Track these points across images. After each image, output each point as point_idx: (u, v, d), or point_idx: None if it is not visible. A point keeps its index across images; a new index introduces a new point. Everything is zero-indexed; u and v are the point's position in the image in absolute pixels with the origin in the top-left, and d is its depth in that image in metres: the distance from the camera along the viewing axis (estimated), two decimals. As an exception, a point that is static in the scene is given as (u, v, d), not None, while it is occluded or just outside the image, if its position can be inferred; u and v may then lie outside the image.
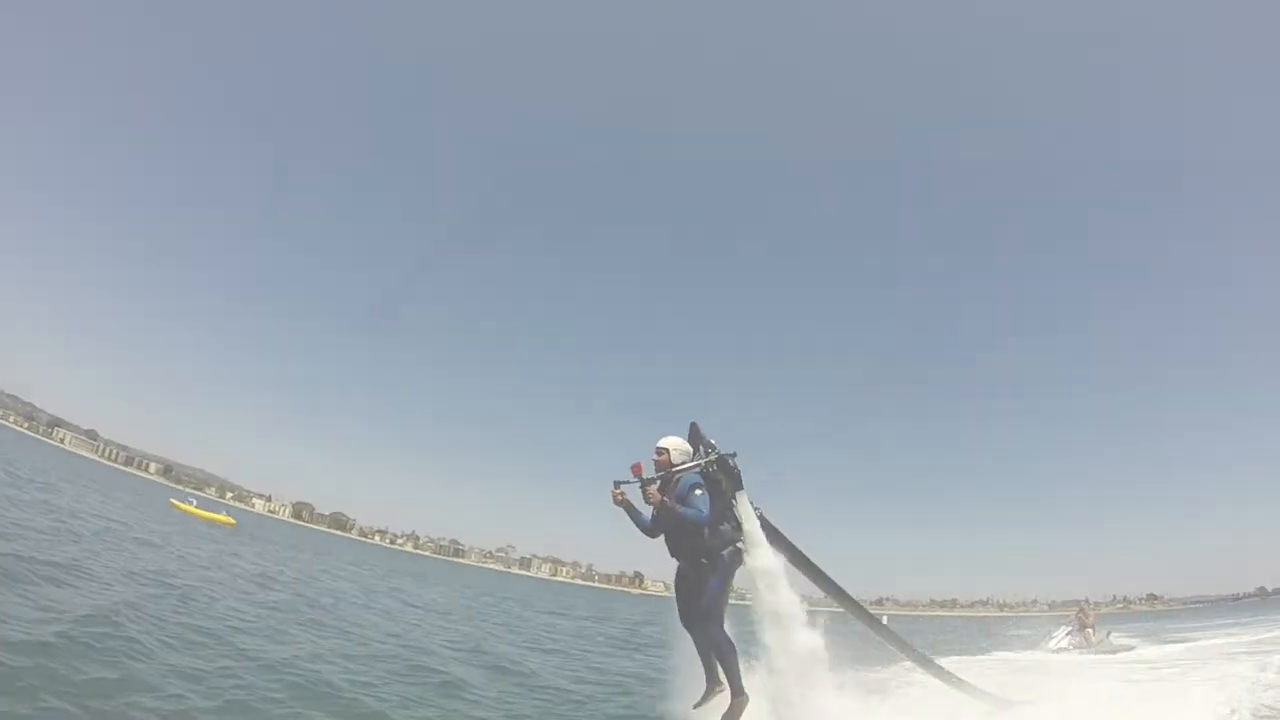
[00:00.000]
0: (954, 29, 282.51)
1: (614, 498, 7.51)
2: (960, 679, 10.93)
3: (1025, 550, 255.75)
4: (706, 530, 7.48)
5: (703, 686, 7.52)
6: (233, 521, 56.40)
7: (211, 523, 51.78)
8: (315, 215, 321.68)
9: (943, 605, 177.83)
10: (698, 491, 7.39)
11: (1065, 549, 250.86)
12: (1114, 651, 22.92)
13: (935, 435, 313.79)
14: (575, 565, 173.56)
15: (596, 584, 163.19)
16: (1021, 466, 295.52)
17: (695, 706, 7.51)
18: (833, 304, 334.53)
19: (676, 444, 7.83)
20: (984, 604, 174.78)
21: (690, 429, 8.12)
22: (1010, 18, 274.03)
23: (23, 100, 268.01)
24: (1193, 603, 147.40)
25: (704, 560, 7.57)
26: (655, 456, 7.70)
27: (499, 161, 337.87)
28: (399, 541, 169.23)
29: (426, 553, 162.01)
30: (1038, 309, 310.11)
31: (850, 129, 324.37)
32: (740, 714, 7.19)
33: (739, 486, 7.85)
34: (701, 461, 7.71)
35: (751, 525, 7.86)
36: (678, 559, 7.76)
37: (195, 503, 58.78)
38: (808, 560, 8.81)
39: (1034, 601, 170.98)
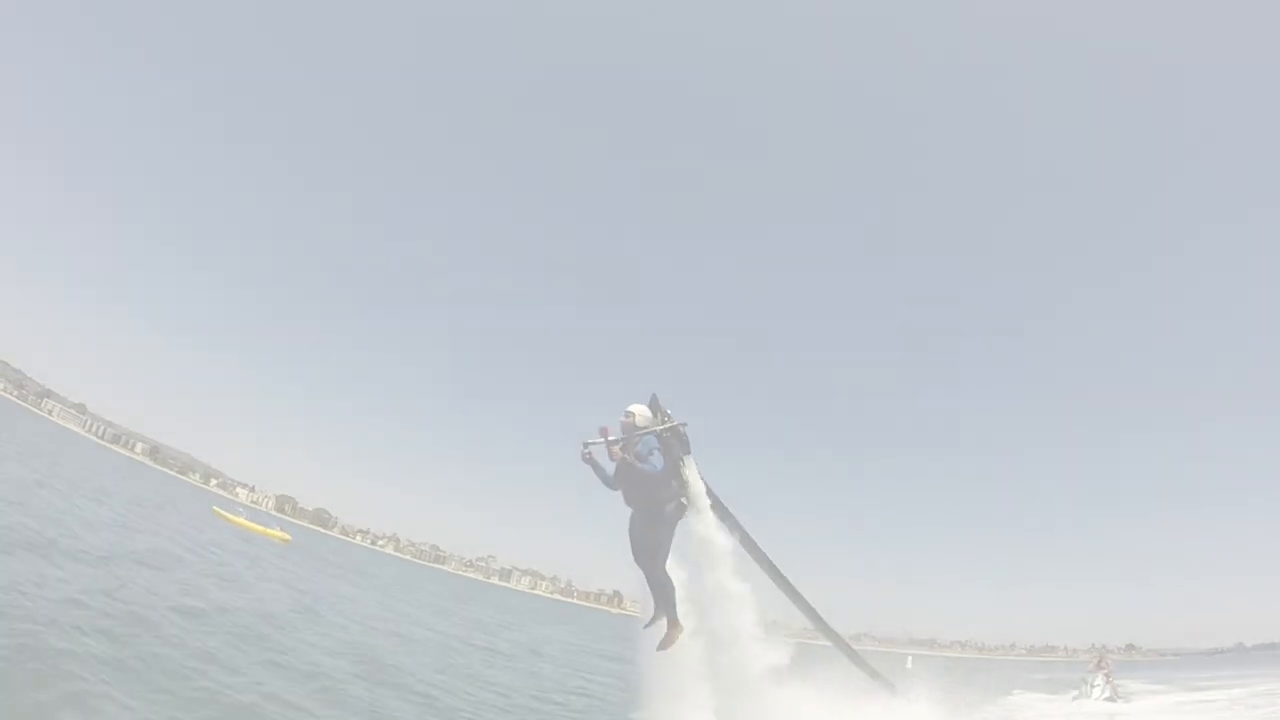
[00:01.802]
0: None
1: (582, 456, 8.95)
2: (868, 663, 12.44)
3: (995, 591, 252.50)
4: (659, 484, 8.94)
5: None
6: (288, 537, 52.93)
7: (267, 538, 48.59)
8: (321, 211, 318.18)
9: (921, 644, 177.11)
10: (654, 452, 8.89)
11: (1036, 593, 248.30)
12: (1129, 700, 24.17)
13: (900, 468, 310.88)
14: (555, 580, 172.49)
15: (575, 601, 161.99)
16: (991, 505, 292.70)
17: (645, 627, 9.36)
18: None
19: (641, 410, 9.24)
20: (962, 645, 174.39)
21: (651, 398, 9.43)
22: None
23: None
24: (1171, 654, 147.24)
25: (654, 509, 9.06)
26: (623, 419, 9.09)
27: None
28: (380, 543, 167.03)
29: (407, 556, 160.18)
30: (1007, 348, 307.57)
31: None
32: (674, 640, 8.97)
33: (687, 451, 9.29)
34: (658, 428, 9.11)
35: (695, 484, 9.35)
36: (632, 508, 9.20)
37: (245, 514, 55.90)
38: (740, 527, 10.19)
39: (1012, 645, 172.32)
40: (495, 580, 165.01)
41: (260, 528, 51.95)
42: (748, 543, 10.32)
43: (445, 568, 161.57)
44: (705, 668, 9.42)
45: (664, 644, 8.97)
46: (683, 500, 9.26)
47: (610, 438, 8.92)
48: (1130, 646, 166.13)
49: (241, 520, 51.29)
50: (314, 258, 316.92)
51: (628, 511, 9.32)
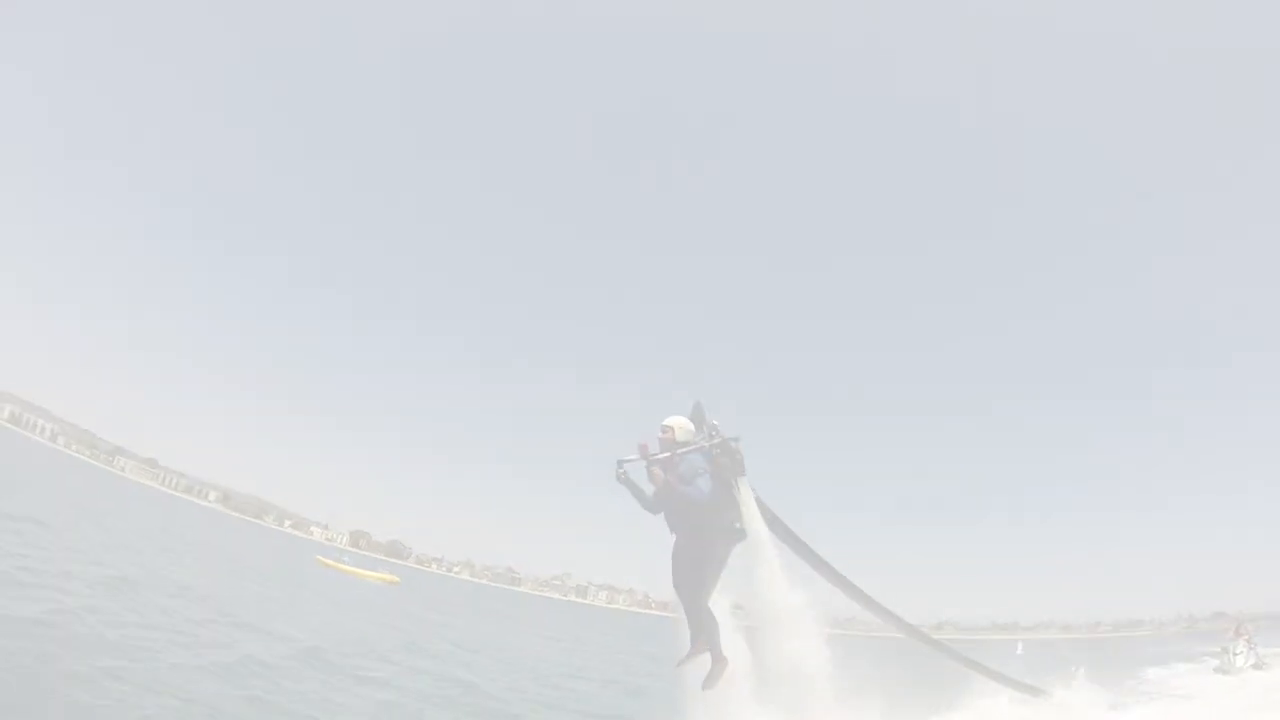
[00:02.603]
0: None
1: (617, 476, 8.02)
2: (991, 668, 11.37)
3: (1062, 566, 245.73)
4: (707, 509, 7.89)
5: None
6: (396, 579, 52.76)
7: (376, 582, 48.74)
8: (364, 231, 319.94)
9: (1004, 629, 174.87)
10: (701, 473, 7.81)
11: (1107, 564, 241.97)
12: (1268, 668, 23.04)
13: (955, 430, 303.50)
14: (631, 592, 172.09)
15: (653, 611, 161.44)
16: (1063, 474, 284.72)
17: (679, 664, 8.19)
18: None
19: (681, 423, 8.18)
20: (1047, 626, 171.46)
21: (693, 408, 8.43)
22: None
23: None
24: (1264, 618, 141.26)
25: (701, 538, 8.06)
26: (660, 434, 8.07)
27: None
28: (455, 570, 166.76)
29: (483, 580, 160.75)
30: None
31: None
32: (720, 676, 7.86)
33: (741, 472, 8.20)
34: (706, 444, 8.05)
35: (750, 510, 8.21)
36: (676, 534, 8.19)
37: (348, 560, 55.95)
38: (808, 549, 9.14)
39: (1097, 624, 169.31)
40: (573, 597, 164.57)
41: (367, 573, 52.18)
42: (822, 568, 9.32)
43: (522, 589, 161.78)
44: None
45: (709, 682, 7.88)
46: (737, 525, 8.18)
47: (651, 455, 7.95)
48: (1219, 614, 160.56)
49: (346, 566, 51.75)
50: (362, 283, 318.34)
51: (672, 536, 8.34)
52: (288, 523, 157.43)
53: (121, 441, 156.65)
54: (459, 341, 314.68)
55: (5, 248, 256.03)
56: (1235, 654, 23.31)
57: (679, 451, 7.98)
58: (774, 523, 8.65)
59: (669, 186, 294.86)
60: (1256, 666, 22.77)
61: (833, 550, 9.37)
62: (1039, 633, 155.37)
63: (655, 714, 9.48)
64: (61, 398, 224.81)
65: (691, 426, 8.26)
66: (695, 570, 8.12)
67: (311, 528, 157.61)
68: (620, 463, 8.02)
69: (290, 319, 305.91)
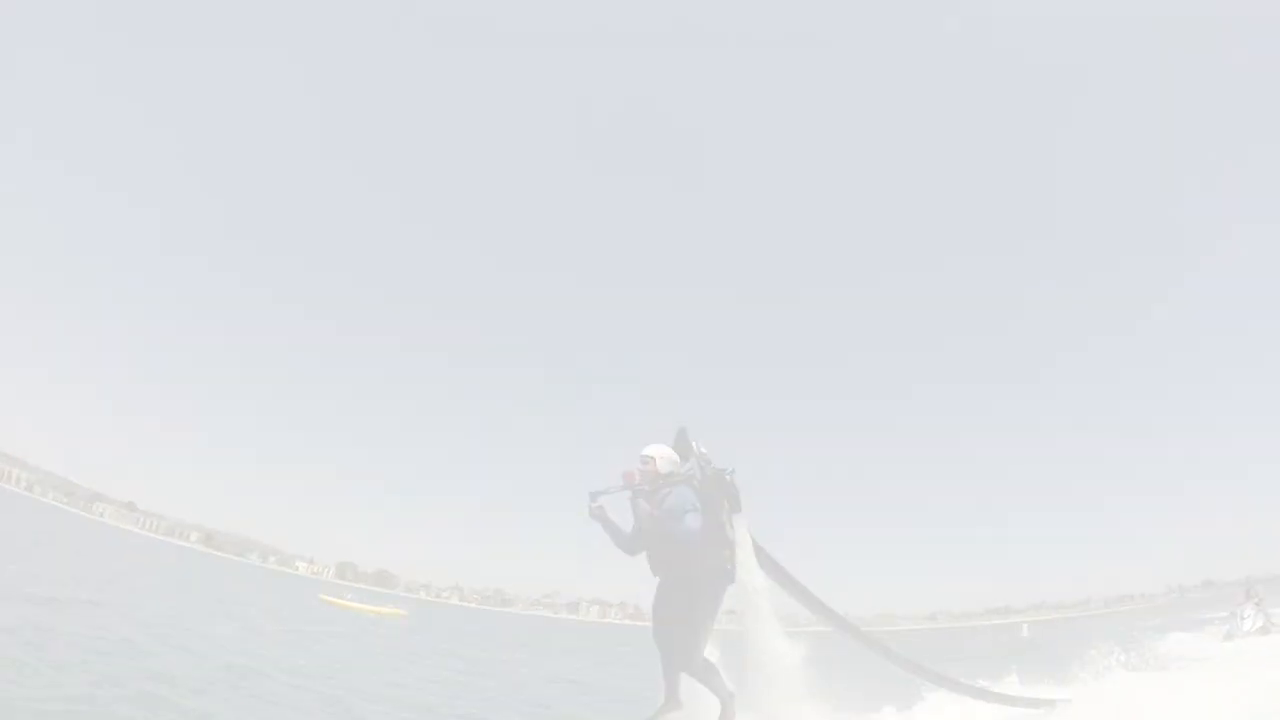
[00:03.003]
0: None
1: (590, 512, 7.21)
2: (991, 690, 10.33)
3: (1049, 549, 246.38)
4: (696, 549, 7.06)
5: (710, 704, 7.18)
6: (403, 613, 52.26)
7: (387, 618, 47.60)
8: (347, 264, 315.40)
9: (998, 613, 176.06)
10: (690, 508, 7.03)
11: (1092, 541, 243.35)
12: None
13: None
14: (622, 605, 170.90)
15: (646, 623, 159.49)
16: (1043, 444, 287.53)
17: None
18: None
19: (664, 453, 7.46)
20: (1038, 608, 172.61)
21: (677, 435, 7.77)
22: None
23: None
24: (1274, 580, 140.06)
25: (689, 584, 7.19)
26: (640, 466, 7.29)
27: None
28: (444, 595, 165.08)
29: (473, 604, 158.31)
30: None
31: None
32: (734, 712, 7.05)
33: (736, 508, 7.49)
34: (696, 475, 7.37)
35: (746, 552, 7.54)
36: (659, 577, 7.39)
37: (353, 596, 54.64)
38: (805, 590, 8.50)
39: (1087, 601, 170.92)
40: (564, 614, 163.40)
41: (373, 608, 50.62)
42: (828, 616, 8.69)
43: (514, 609, 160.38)
44: None
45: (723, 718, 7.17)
46: (728, 567, 7.31)
47: (635, 487, 7.15)
48: (1208, 583, 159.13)
49: (355, 604, 49.70)
50: (340, 310, 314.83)
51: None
52: (272, 559, 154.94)
53: (99, 487, 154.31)
54: (434, 358, 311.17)
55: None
56: (1243, 618, 22.58)
57: (664, 485, 7.17)
58: (771, 567, 7.96)
59: (663, 194, 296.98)
60: (1263, 631, 21.77)
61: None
62: (1031, 615, 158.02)
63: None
64: (35, 446, 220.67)
65: (676, 457, 7.50)
66: (685, 617, 7.16)
67: (297, 563, 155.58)
68: (593, 495, 7.14)
69: (259, 350, 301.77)
